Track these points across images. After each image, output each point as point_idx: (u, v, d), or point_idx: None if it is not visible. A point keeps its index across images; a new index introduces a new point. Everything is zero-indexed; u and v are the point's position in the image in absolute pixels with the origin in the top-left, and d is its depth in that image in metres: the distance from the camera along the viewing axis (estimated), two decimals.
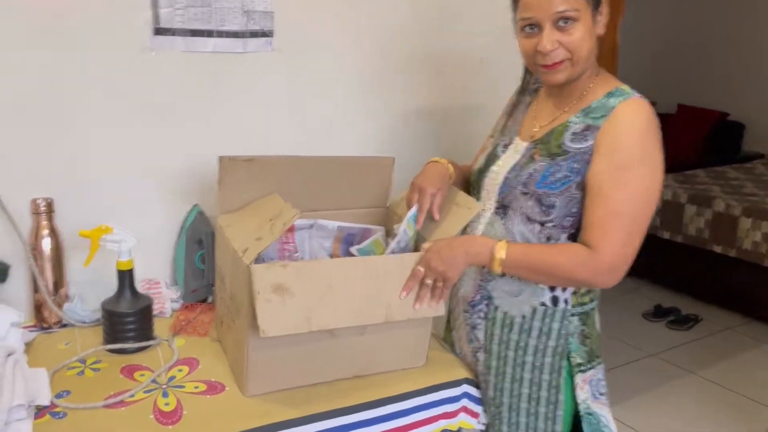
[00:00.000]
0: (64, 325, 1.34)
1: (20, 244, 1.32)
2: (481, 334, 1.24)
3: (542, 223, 1.16)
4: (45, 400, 1.04)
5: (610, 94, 1.13)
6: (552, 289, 1.16)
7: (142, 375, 1.16)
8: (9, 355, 1.07)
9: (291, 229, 1.28)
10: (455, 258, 1.14)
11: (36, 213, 1.32)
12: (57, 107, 1.33)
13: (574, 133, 1.14)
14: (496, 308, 1.20)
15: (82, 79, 1.34)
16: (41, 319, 1.34)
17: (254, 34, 1.50)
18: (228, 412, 1.07)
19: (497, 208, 1.21)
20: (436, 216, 1.21)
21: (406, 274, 1.14)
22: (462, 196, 1.25)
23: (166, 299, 1.43)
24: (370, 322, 1.13)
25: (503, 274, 1.15)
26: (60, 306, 1.34)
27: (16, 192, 1.32)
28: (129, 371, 1.17)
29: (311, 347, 1.12)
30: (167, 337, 1.30)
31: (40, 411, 1.03)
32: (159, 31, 1.39)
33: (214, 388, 1.14)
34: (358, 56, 1.63)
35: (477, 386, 1.24)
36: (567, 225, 1.15)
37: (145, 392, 1.11)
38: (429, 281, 1.14)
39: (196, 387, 1.14)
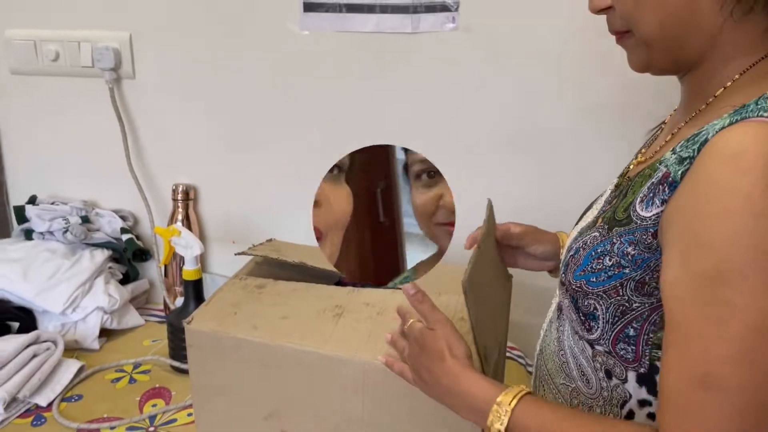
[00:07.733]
0: None
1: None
2: None
3: (590, 343, 0.65)
4: (43, 400, 0.98)
5: (738, 111, 0.53)
6: None
7: (154, 406, 1.00)
8: (45, 341, 1.04)
9: None
10: (437, 386, 0.64)
11: (174, 199, 1.29)
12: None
13: (652, 185, 0.57)
14: None
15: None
16: (166, 305, 1.31)
17: (430, 9, 1.14)
18: None
19: (561, 296, 0.71)
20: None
21: None
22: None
23: None
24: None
25: None
26: (176, 298, 1.28)
27: (163, 175, 1.32)
28: (151, 395, 1.02)
29: None
30: None
31: (33, 409, 0.97)
32: (309, 7, 1.17)
33: None
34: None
35: None
36: (628, 358, 0.61)
37: (127, 430, 0.94)
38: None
39: None
